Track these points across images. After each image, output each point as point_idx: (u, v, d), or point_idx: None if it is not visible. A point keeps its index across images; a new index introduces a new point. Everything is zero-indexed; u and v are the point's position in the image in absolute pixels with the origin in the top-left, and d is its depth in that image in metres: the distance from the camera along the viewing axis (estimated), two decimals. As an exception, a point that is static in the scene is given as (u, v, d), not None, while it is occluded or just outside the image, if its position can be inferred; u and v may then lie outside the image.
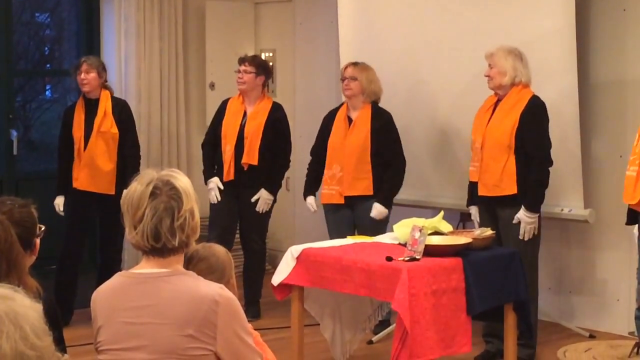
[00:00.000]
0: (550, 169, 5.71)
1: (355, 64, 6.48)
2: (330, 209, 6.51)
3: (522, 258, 5.27)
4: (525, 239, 5.64)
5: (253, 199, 6.74)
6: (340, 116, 6.50)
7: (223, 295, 2.74)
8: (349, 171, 6.35)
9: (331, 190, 6.44)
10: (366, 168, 6.34)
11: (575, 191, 6.25)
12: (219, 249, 3.14)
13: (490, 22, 6.42)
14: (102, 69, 6.78)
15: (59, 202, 6.72)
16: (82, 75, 6.66)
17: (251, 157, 6.71)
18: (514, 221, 5.62)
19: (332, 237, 6.20)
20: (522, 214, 5.62)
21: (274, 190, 6.85)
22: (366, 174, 6.35)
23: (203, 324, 2.69)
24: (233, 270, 3.13)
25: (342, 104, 6.60)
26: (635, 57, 6.25)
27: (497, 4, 6.44)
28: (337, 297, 5.42)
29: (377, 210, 6.27)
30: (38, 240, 3.11)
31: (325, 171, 6.50)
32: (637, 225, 4.96)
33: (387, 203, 6.33)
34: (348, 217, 6.44)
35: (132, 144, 6.82)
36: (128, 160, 6.73)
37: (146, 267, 2.78)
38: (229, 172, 6.75)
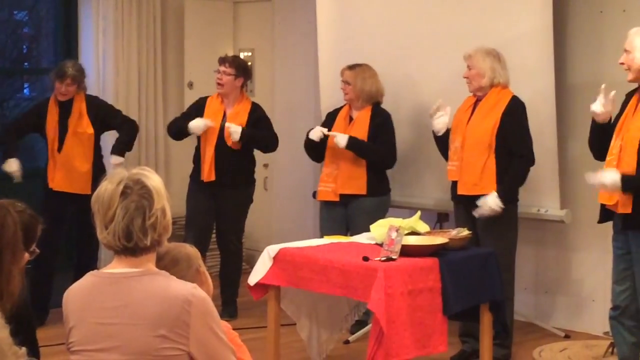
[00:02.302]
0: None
1: (352, 67, 6.50)
2: (324, 206, 6.56)
3: (499, 258, 5.29)
4: (476, 216, 5.65)
5: (227, 124, 6.67)
6: (342, 115, 6.55)
7: (196, 295, 2.73)
8: (344, 170, 6.39)
9: (327, 188, 6.47)
10: (361, 167, 6.37)
11: (552, 192, 6.28)
12: (182, 244, 3.13)
13: (469, 23, 6.43)
14: (82, 80, 6.76)
15: (12, 164, 6.70)
16: (64, 89, 6.63)
17: (235, 143, 6.70)
18: (478, 202, 5.63)
19: (323, 234, 6.20)
20: (490, 198, 5.62)
21: (252, 136, 6.74)
22: (361, 174, 6.38)
23: (176, 324, 2.68)
24: (201, 259, 3.11)
25: (346, 103, 6.60)
26: (612, 58, 6.25)
27: (475, 5, 6.46)
28: (313, 297, 5.42)
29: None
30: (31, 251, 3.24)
31: (323, 169, 6.55)
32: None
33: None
34: (341, 215, 6.46)
35: (124, 118, 6.88)
36: (125, 127, 6.80)
37: (118, 267, 2.77)
38: (209, 173, 6.73)
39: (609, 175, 4.72)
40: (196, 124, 6.71)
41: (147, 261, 2.77)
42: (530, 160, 5.76)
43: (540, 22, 6.13)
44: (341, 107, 6.62)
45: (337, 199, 6.43)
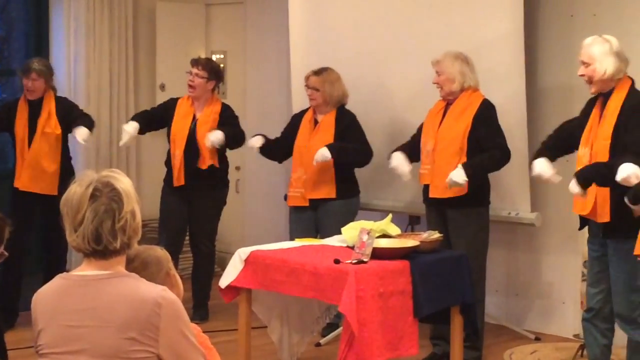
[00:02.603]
0: (501, 170, 5.80)
1: (317, 72, 6.47)
2: (294, 210, 6.56)
3: (470, 261, 5.30)
4: (449, 187, 5.67)
5: (209, 134, 6.65)
6: (306, 119, 6.53)
7: (166, 297, 2.72)
8: (312, 174, 6.38)
9: (296, 193, 6.47)
10: (330, 171, 6.37)
11: (523, 195, 6.32)
12: (153, 246, 3.12)
13: (441, 27, 6.45)
14: (50, 76, 6.73)
15: None
16: (30, 84, 6.60)
17: (212, 157, 6.70)
18: (447, 180, 5.64)
19: (293, 238, 6.20)
20: (456, 171, 5.60)
21: (227, 133, 6.71)
22: (330, 177, 6.37)
23: (145, 326, 2.68)
24: (171, 262, 3.10)
25: (310, 107, 6.59)
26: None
27: (447, 9, 6.48)
28: (285, 300, 5.42)
29: (322, 154, 6.27)
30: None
31: (292, 174, 6.54)
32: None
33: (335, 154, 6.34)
34: (311, 218, 6.46)
35: (81, 113, 6.86)
36: (84, 117, 6.77)
37: (87, 270, 2.76)
38: (179, 177, 6.71)
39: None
40: (129, 127, 6.77)
41: (117, 264, 2.76)
42: (506, 154, 5.73)
43: (511, 26, 6.16)
44: (306, 110, 6.61)
45: (306, 203, 6.43)
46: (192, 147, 6.68)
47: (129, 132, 6.75)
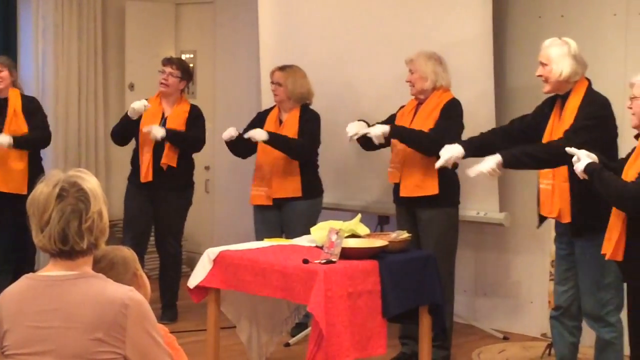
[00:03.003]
0: (461, 171, 5.80)
1: (282, 68, 6.49)
2: (258, 210, 6.53)
3: (439, 260, 5.32)
4: (353, 138, 5.76)
5: (148, 128, 6.61)
6: (271, 118, 6.52)
7: (133, 298, 2.71)
8: (277, 173, 6.37)
9: (260, 192, 6.45)
10: (294, 170, 6.36)
11: (491, 195, 6.35)
12: (120, 247, 3.11)
13: (411, 27, 6.47)
14: (13, 68, 6.71)
15: None
16: None
17: (171, 158, 6.68)
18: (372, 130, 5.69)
19: (258, 238, 6.20)
20: (383, 125, 5.70)
21: (173, 138, 6.67)
22: (295, 177, 6.36)
23: (112, 327, 2.66)
24: (138, 263, 3.09)
25: (275, 105, 6.59)
26: (550, 63, 6.35)
27: (417, 9, 6.50)
28: (253, 300, 5.41)
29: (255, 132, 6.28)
30: None
31: (256, 173, 6.51)
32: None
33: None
34: (276, 218, 6.45)
35: (41, 125, 6.75)
36: (38, 131, 6.68)
37: (53, 270, 2.74)
38: (147, 174, 6.69)
39: (488, 161, 4.87)
40: (136, 105, 6.61)
41: (84, 264, 2.75)
42: (436, 142, 5.48)
43: (481, 26, 6.19)
44: (271, 109, 6.60)
45: (270, 203, 6.42)
46: (161, 145, 6.66)
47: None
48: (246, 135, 6.31)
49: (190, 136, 6.72)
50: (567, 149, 4.49)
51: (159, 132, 6.55)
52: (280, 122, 6.48)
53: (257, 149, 6.49)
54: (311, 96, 6.49)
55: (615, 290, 4.82)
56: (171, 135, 6.59)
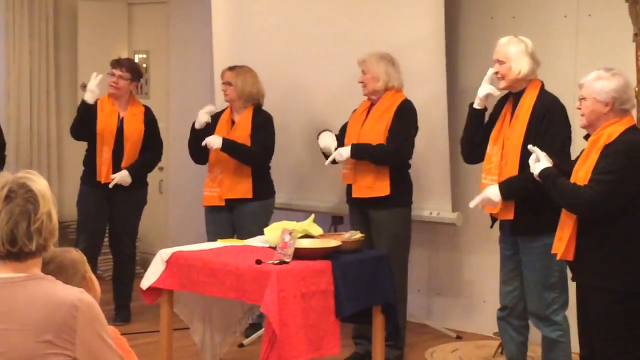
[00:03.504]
0: (414, 171, 5.85)
1: (232, 68, 6.48)
2: (210, 211, 6.52)
3: (392, 260, 5.34)
4: (326, 163, 5.84)
5: (112, 176, 6.61)
6: (223, 119, 6.51)
7: (83, 300, 2.69)
8: (229, 174, 6.36)
9: (212, 193, 6.44)
10: (246, 171, 6.34)
11: (444, 195, 6.38)
12: (68, 249, 3.09)
13: (364, 27, 6.49)
14: None
15: None
16: None
17: (131, 161, 6.65)
18: (334, 154, 5.77)
19: (210, 239, 6.18)
20: (345, 147, 5.75)
21: (136, 173, 6.72)
22: (246, 178, 6.35)
23: (61, 329, 2.65)
24: (87, 264, 3.07)
25: (227, 107, 6.58)
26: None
27: (370, 10, 6.52)
28: (207, 301, 5.40)
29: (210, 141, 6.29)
30: None
31: (208, 173, 6.50)
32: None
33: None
34: (227, 219, 6.44)
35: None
36: None
37: (2, 272, 2.71)
38: (107, 174, 6.64)
39: (491, 191, 4.83)
40: (90, 84, 6.59)
41: (33, 266, 2.73)
42: (398, 154, 5.71)
43: (433, 27, 6.22)
44: (223, 111, 6.59)
45: (222, 203, 6.41)
46: (119, 146, 6.63)
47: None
48: (203, 143, 6.29)
49: (149, 161, 6.74)
50: (529, 146, 4.54)
51: (122, 179, 6.50)
52: (233, 122, 6.46)
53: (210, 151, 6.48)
54: (262, 96, 6.49)
55: (560, 289, 4.87)
56: (139, 170, 6.62)
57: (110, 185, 6.60)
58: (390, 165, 5.76)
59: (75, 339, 2.65)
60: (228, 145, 6.28)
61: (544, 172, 4.42)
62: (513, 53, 4.92)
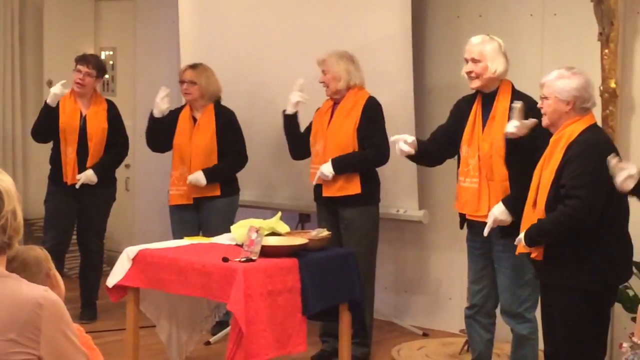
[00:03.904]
0: (381, 169, 5.88)
1: (193, 66, 6.44)
2: (175, 209, 6.48)
3: (360, 258, 5.36)
4: (313, 183, 5.83)
5: (77, 176, 6.58)
6: (184, 116, 6.46)
7: (47, 298, 2.67)
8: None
9: (179, 191, 6.41)
10: None
11: (411, 193, 6.40)
12: (32, 246, 3.07)
13: (331, 27, 6.49)
14: None
15: None
16: None
17: (96, 159, 6.63)
18: (318, 173, 5.76)
19: (176, 238, 6.16)
20: (327, 163, 5.74)
21: (101, 172, 6.69)
22: None
23: (26, 327, 2.63)
24: (51, 262, 3.05)
25: (185, 104, 6.55)
26: (469, 62, 6.43)
27: (336, 8, 6.52)
28: (173, 299, 5.39)
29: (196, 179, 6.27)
30: None
31: (173, 172, 6.46)
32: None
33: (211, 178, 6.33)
34: (193, 217, 6.42)
35: None
36: None
37: (-34, 270, 2.70)
38: (73, 175, 6.60)
39: (497, 211, 4.78)
40: (57, 90, 6.49)
41: (-3, 264, 2.71)
42: (381, 154, 5.78)
43: (399, 26, 6.24)
44: (181, 108, 6.55)
45: (190, 202, 6.38)
46: (83, 145, 6.60)
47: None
48: (188, 180, 6.29)
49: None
50: (516, 242, 4.48)
51: (202, 179, 6.39)
52: (195, 120, 6.43)
53: (172, 146, 6.45)
54: (221, 92, 6.47)
55: (533, 287, 4.88)
56: (210, 177, 6.43)
57: (77, 186, 6.57)
58: (370, 168, 5.84)
59: (40, 337, 2.63)
60: (211, 177, 6.30)
61: (529, 235, 4.34)
62: (488, 51, 4.91)
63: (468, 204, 4.97)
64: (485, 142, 4.86)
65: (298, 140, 6.09)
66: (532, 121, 4.60)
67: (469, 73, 4.95)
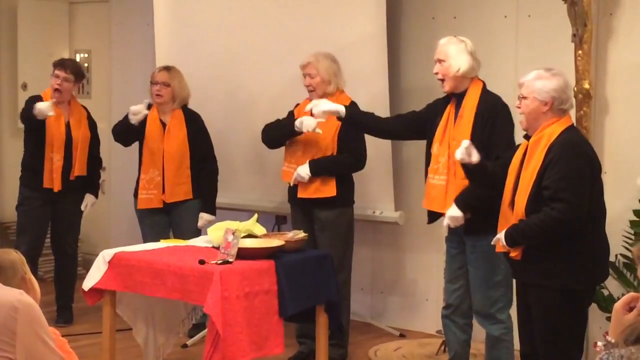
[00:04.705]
0: (359, 173, 5.89)
1: (167, 68, 6.40)
2: (146, 213, 6.41)
3: (336, 259, 5.36)
4: (291, 184, 5.83)
5: (83, 206, 6.67)
6: (152, 120, 6.36)
7: (22, 301, 2.68)
8: (169, 177, 6.29)
9: (149, 195, 6.35)
10: (186, 173, 6.32)
11: (387, 194, 6.42)
12: (7, 250, 3.05)
13: (305, 27, 6.50)
14: None
15: None
16: None
17: (82, 168, 6.65)
18: (295, 174, 5.77)
19: (147, 242, 6.13)
20: (304, 165, 5.75)
21: (97, 193, 6.87)
22: (186, 179, 6.33)
23: (1, 331, 2.63)
24: (26, 266, 3.04)
25: (151, 106, 6.47)
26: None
27: (311, 9, 6.53)
28: (150, 301, 5.37)
29: (205, 219, 6.27)
30: None
31: (142, 175, 6.38)
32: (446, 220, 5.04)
33: (213, 210, 6.37)
34: (164, 221, 6.39)
35: None
36: None
37: (-60, 275, 2.69)
38: (56, 182, 6.56)
39: (449, 211, 4.85)
40: (43, 106, 6.32)
41: (-28, 268, 2.71)
42: (358, 159, 5.83)
43: (375, 27, 6.25)
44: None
45: (161, 205, 6.33)
46: (68, 152, 6.58)
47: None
48: (199, 225, 6.32)
49: (99, 174, 6.76)
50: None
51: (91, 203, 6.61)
52: (164, 125, 6.35)
53: (141, 150, 6.41)
54: (189, 97, 6.43)
55: (505, 287, 4.91)
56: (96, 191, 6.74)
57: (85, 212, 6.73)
58: (355, 170, 5.87)
59: (16, 340, 2.63)
60: (213, 207, 6.40)
61: (510, 236, 4.36)
62: (452, 51, 4.95)
63: (435, 201, 5.02)
64: (454, 140, 4.90)
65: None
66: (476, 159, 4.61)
67: (436, 74, 5.00)
